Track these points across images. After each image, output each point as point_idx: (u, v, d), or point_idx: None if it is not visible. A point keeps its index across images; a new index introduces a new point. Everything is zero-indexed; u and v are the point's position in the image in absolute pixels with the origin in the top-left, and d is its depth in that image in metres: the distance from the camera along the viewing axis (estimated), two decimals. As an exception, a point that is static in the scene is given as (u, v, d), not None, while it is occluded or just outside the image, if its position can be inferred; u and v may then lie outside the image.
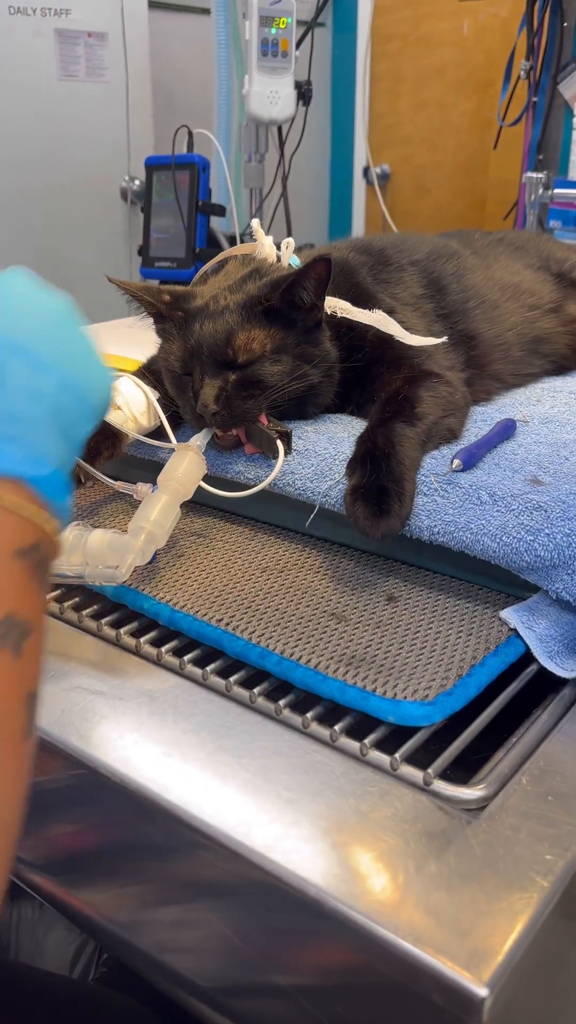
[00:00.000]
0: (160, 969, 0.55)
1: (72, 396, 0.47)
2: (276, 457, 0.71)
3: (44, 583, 0.45)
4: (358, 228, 2.79)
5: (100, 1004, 0.75)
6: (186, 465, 0.66)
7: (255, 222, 0.82)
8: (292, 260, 0.82)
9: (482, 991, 0.39)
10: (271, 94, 1.48)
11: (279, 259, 0.81)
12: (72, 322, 0.49)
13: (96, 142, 2.10)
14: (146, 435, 0.77)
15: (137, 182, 2.14)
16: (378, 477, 0.65)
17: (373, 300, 0.83)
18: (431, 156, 2.71)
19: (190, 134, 1.51)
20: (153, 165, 1.55)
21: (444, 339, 0.79)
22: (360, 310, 0.76)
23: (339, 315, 0.77)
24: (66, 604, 0.67)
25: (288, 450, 0.73)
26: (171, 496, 0.65)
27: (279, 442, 0.72)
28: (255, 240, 0.83)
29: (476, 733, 0.53)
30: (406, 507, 0.64)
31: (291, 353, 0.74)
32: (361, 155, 2.73)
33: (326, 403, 0.79)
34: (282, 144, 1.69)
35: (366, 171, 2.71)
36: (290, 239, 0.81)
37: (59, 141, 2.05)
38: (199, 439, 0.71)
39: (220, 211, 1.50)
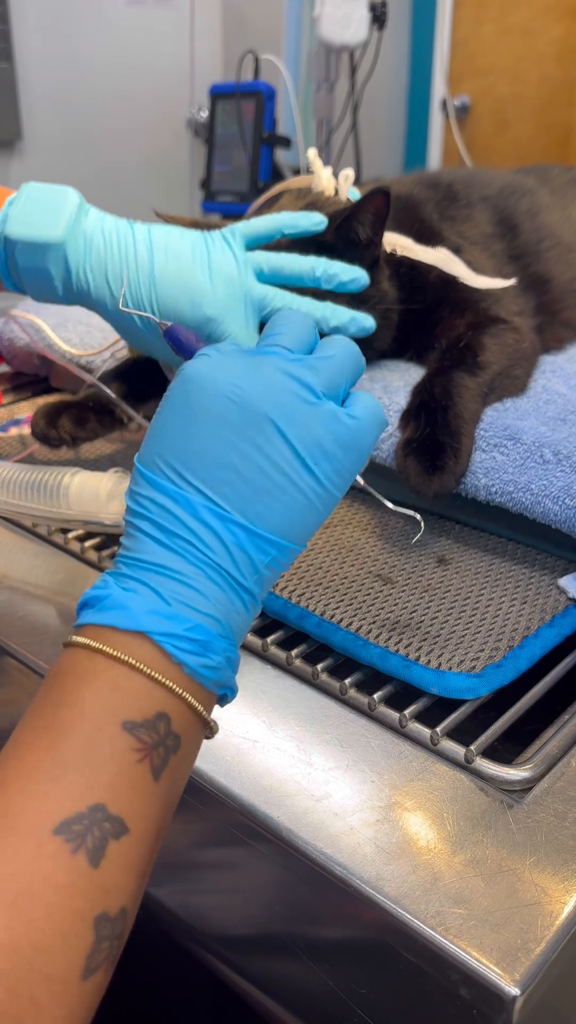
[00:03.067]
0: (182, 927, 0.54)
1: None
2: None
3: (169, 772, 0.36)
4: (434, 163, 2.67)
5: (142, 936, 0.75)
6: None
7: (311, 152, 0.77)
8: (351, 193, 0.77)
9: (513, 990, 0.36)
10: (343, 17, 1.40)
11: (337, 192, 0.76)
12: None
13: (164, 69, 2.04)
14: None
15: (203, 112, 2.08)
16: (433, 431, 0.60)
17: (438, 238, 0.77)
18: (513, 87, 2.57)
19: (256, 60, 1.44)
20: (218, 94, 1.49)
21: (513, 281, 0.74)
22: (422, 248, 0.71)
23: (399, 253, 0.72)
24: (104, 553, 0.65)
25: None
26: None
27: None
28: (312, 172, 0.78)
29: (524, 710, 0.50)
30: (462, 464, 0.60)
31: (346, 295, 0.70)
32: (440, 85, 2.59)
33: (383, 348, 0.75)
34: (354, 71, 1.60)
35: (444, 103, 2.58)
36: (349, 171, 0.76)
37: (126, 68, 1.99)
38: None
39: (285, 143, 1.44)
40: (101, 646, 0.36)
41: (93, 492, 0.63)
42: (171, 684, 0.36)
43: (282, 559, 0.40)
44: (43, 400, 0.92)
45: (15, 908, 0.30)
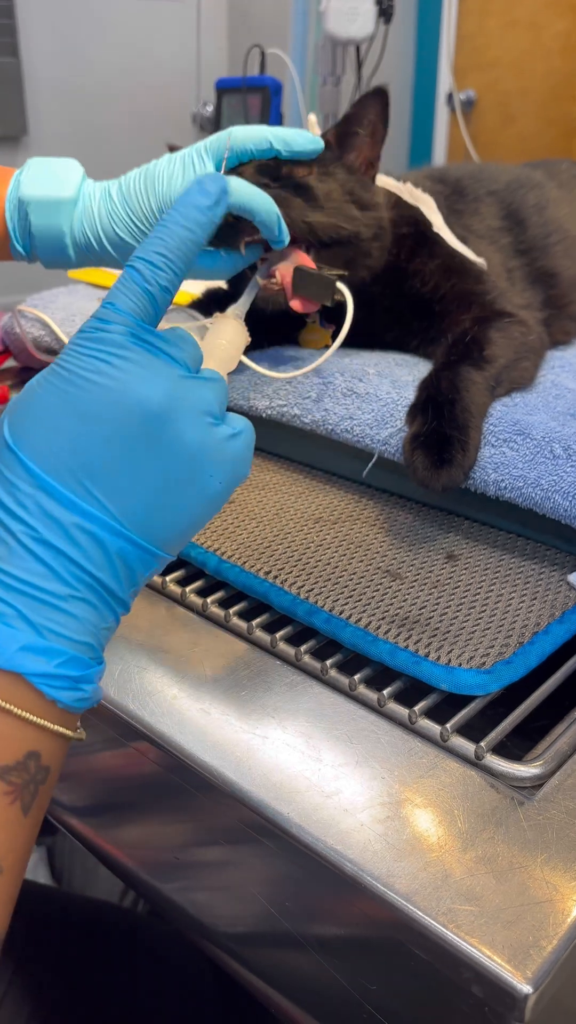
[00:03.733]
0: (191, 922, 0.54)
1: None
2: (332, 301, 0.65)
3: (37, 803, 0.36)
4: (439, 157, 2.66)
5: (151, 933, 0.75)
6: (230, 333, 0.56)
7: (312, 116, 0.76)
8: None
9: (525, 988, 0.36)
10: (350, 10, 1.39)
11: None
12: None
13: (169, 64, 2.03)
14: None
15: (209, 107, 2.07)
16: (440, 424, 0.60)
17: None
18: (518, 81, 2.56)
19: (263, 54, 1.44)
20: (224, 88, 1.49)
21: (483, 261, 0.74)
22: (407, 189, 0.73)
23: (382, 186, 0.74)
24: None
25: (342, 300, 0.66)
26: (218, 363, 0.56)
27: (339, 283, 0.64)
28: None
29: (534, 706, 0.50)
30: (470, 457, 0.60)
31: (340, 184, 0.70)
32: (445, 79, 2.58)
33: (374, 266, 0.73)
34: (360, 65, 1.60)
35: (450, 97, 2.57)
36: (312, 115, 0.76)
37: (132, 63, 1.99)
38: (238, 307, 0.61)
39: (292, 138, 1.44)
40: None
41: None
42: (44, 723, 0.36)
43: (158, 569, 0.40)
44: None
45: None
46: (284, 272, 0.65)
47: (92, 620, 0.37)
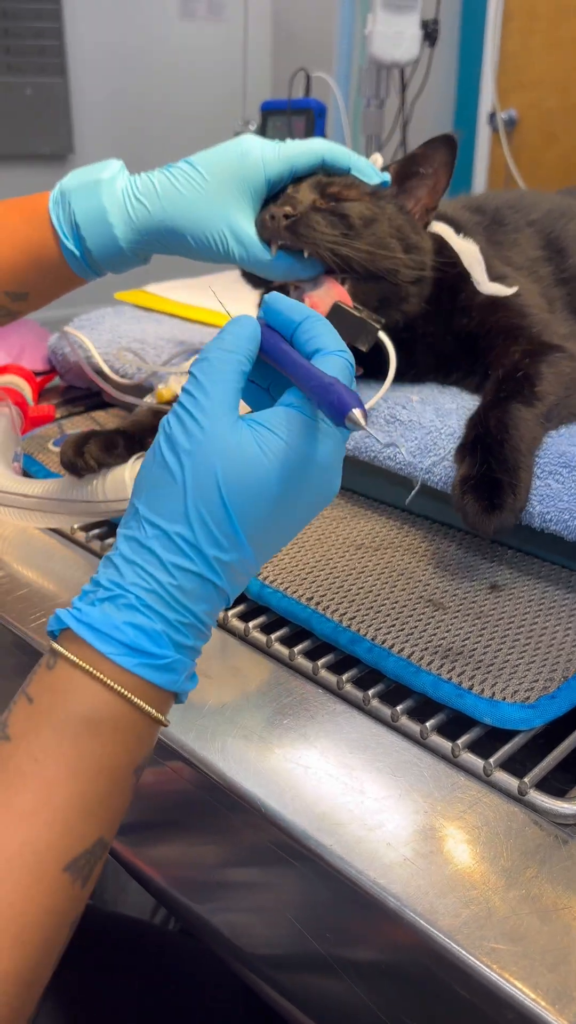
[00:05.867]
0: (224, 943, 0.54)
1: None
2: (367, 347, 0.63)
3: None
4: (480, 177, 2.66)
5: (181, 952, 0.75)
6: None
7: (377, 156, 0.75)
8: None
9: (570, 1032, 0.36)
10: (395, 34, 1.40)
11: None
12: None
13: (215, 86, 2.06)
14: None
15: (252, 126, 2.09)
16: (490, 468, 0.60)
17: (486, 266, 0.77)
18: (562, 100, 2.55)
19: (308, 77, 1.45)
20: (269, 110, 1.50)
21: (515, 289, 0.73)
22: (455, 236, 0.73)
23: (434, 231, 0.74)
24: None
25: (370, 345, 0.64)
26: None
27: (381, 333, 0.64)
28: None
29: (578, 742, 0.50)
30: (520, 500, 0.59)
31: (388, 218, 0.69)
32: (487, 100, 2.59)
33: (410, 311, 0.72)
34: (404, 88, 1.61)
35: (492, 117, 2.57)
36: (377, 155, 0.75)
37: (176, 82, 2.01)
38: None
39: (335, 160, 1.45)
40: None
41: (119, 478, 0.65)
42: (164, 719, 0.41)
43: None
44: (98, 414, 0.93)
45: (19, 941, 0.35)
46: (318, 302, 0.64)
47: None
